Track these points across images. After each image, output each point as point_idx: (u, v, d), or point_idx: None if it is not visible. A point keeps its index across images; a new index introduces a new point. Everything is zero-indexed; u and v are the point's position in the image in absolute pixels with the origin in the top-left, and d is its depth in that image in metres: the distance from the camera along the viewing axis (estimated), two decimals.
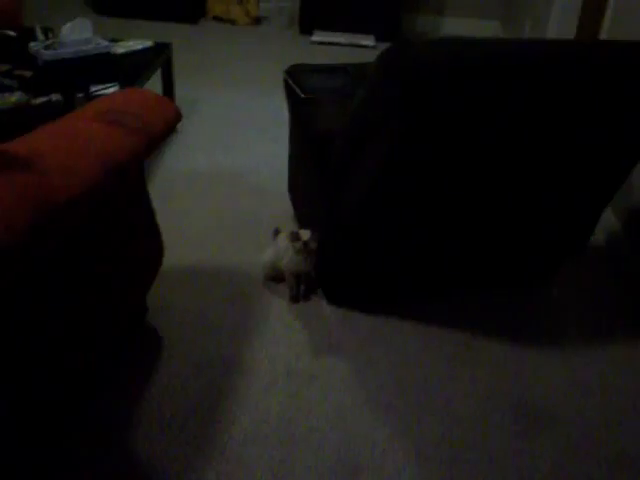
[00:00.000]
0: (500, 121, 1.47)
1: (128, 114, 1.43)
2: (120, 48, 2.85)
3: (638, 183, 2.12)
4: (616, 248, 2.25)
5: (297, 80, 1.98)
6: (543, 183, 1.69)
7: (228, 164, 2.86)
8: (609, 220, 2.40)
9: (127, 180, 1.52)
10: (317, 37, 4.74)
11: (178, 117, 1.54)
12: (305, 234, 1.86)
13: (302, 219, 2.23)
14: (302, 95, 1.87)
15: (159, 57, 2.90)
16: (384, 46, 1.52)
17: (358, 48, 4.64)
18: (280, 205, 2.46)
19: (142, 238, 1.67)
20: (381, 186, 1.55)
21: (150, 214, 1.69)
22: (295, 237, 1.86)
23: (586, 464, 1.50)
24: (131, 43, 2.92)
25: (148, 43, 2.95)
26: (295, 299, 1.99)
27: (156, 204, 1.69)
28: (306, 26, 4.88)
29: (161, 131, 1.45)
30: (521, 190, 1.70)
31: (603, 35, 2.65)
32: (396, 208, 1.66)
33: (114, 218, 1.48)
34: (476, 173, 1.61)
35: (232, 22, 5.14)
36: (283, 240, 1.96)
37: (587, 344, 1.87)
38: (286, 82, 2.02)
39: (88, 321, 1.43)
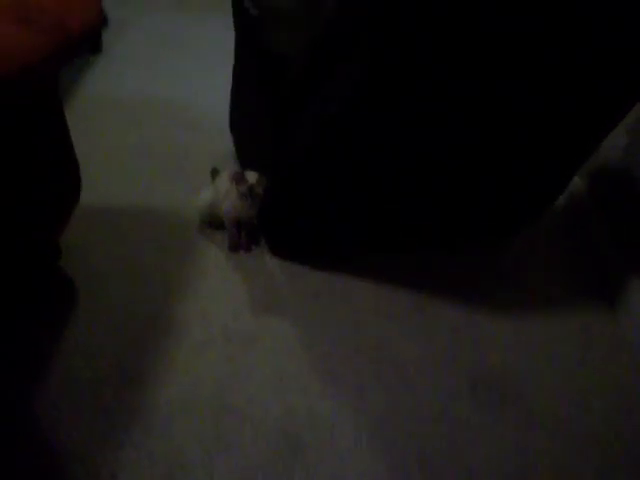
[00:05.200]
0: (476, 48, 1.25)
1: (40, 10, 1.14)
2: None
3: (605, 145, 1.98)
4: (579, 211, 2.14)
5: None
6: (513, 136, 1.52)
7: (160, 93, 2.54)
8: (574, 183, 2.28)
9: (37, 95, 1.23)
10: None
11: (101, 19, 1.25)
12: (252, 176, 1.62)
13: (245, 160, 1.98)
14: (255, 12, 1.60)
15: None
16: None
17: None
18: (218, 142, 2.19)
19: (53, 169, 1.38)
20: (342, 119, 1.33)
21: (65, 140, 1.40)
22: (240, 179, 1.62)
23: (550, 441, 1.38)
24: None
25: None
26: (235, 248, 1.76)
27: (75, 132, 1.40)
28: None
29: (80, 34, 1.16)
30: (489, 141, 1.51)
31: None
32: (355, 148, 1.45)
33: (17, 141, 1.19)
34: (446, 113, 1.39)
35: None
36: (224, 181, 1.71)
37: (546, 312, 1.75)
38: None
39: None
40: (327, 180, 1.55)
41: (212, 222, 1.80)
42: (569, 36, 1.25)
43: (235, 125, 2.04)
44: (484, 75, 1.31)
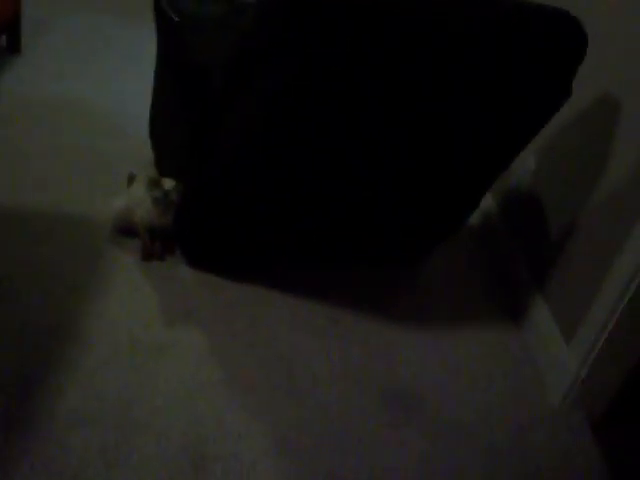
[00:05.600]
0: (381, 72, 1.29)
1: None
2: None
3: (515, 166, 2.09)
4: (490, 230, 2.22)
5: (171, 2, 1.68)
6: (423, 156, 1.56)
7: (80, 97, 2.46)
8: (486, 200, 2.36)
9: None
10: None
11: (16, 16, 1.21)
12: (168, 183, 1.60)
13: (164, 167, 1.95)
14: (176, 19, 1.59)
15: None
16: None
17: None
18: (138, 149, 2.15)
19: None
20: (261, 129, 1.33)
21: None
22: (154, 184, 1.59)
23: (456, 453, 1.42)
24: None
25: None
26: (148, 257, 1.72)
27: None
28: None
29: None
30: (400, 162, 1.55)
31: None
32: (272, 159, 1.45)
33: None
34: (355, 129, 1.41)
35: None
36: (139, 188, 1.67)
37: (457, 327, 1.80)
38: (157, 2, 1.71)
39: None
40: (246, 188, 1.54)
41: (126, 229, 1.75)
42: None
43: (155, 131, 2.01)
44: (400, 96, 1.35)
